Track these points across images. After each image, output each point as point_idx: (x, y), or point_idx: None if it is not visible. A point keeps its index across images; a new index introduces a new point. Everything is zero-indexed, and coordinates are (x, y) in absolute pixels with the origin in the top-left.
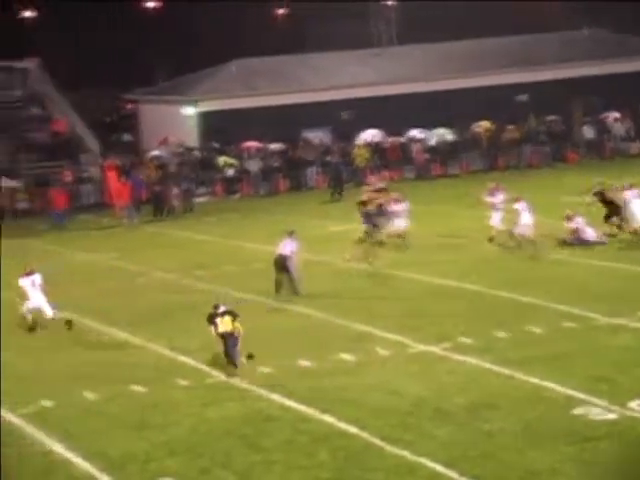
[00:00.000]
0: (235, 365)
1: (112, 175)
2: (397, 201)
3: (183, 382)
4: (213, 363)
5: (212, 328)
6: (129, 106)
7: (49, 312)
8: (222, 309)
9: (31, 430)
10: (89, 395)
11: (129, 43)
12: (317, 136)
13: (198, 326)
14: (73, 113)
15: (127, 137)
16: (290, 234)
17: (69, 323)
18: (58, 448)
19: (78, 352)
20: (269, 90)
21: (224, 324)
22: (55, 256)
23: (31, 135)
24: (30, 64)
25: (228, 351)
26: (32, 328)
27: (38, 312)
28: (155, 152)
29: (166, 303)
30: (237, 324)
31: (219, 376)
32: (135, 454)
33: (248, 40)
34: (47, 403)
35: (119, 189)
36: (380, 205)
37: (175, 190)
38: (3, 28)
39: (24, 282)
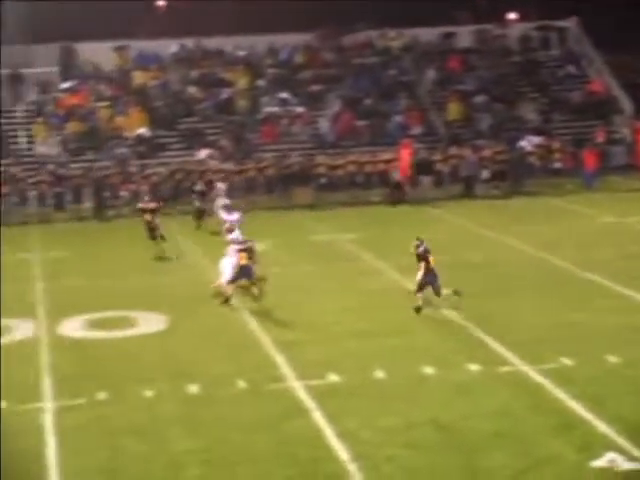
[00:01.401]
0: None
1: None
2: None
3: None
4: None
5: (423, 264)
6: None
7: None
8: (424, 247)
9: (549, 386)
10: (612, 358)
11: None
12: None
13: None
14: (609, 73)
15: None
16: None
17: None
18: (577, 407)
19: (604, 314)
20: None
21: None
22: (577, 217)
23: (566, 94)
24: (569, 23)
25: (437, 284)
26: None
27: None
28: None
29: None
30: None
31: None
32: None
33: None
34: (568, 362)
35: None
36: None
37: None
38: None
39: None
